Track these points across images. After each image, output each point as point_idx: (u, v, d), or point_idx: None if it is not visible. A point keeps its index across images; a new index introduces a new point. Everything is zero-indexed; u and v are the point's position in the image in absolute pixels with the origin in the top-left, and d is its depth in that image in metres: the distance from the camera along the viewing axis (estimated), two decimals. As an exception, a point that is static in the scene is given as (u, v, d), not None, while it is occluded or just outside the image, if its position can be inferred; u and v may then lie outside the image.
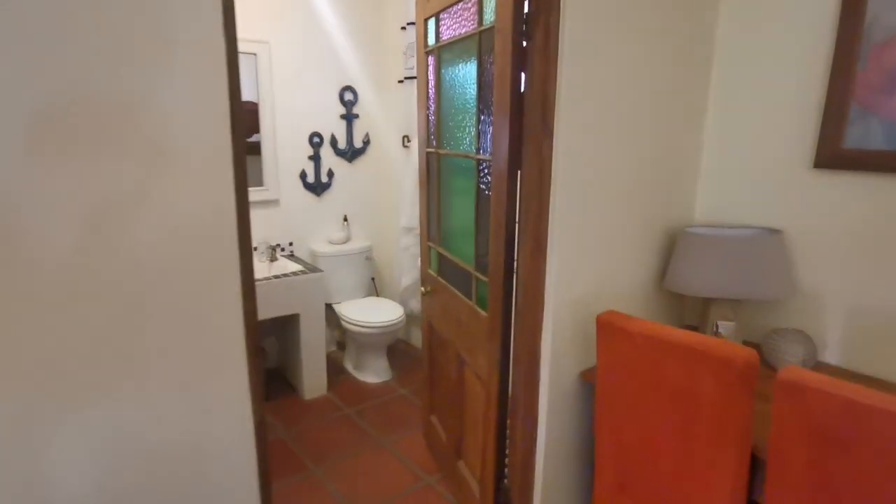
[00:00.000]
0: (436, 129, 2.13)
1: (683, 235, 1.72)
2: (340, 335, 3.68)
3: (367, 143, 3.54)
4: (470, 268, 1.88)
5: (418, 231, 3.24)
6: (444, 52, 2.02)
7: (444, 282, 2.16)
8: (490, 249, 1.69)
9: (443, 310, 2.18)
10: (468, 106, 1.84)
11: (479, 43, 1.68)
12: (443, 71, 2.04)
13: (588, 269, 1.61)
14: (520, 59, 1.46)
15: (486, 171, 1.71)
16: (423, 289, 2.33)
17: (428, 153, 2.22)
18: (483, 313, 1.77)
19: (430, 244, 2.28)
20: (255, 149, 3.10)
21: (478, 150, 1.76)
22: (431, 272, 2.28)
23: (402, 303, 3.48)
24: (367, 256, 3.49)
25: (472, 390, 1.93)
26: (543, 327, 1.57)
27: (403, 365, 3.47)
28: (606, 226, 1.63)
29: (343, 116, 3.41)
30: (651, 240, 1.79)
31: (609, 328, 1.43)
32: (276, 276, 2.83)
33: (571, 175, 1.49)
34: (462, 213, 2.00)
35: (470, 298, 1.90)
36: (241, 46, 3.29)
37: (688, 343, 1.26)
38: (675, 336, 1.29)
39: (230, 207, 1.22)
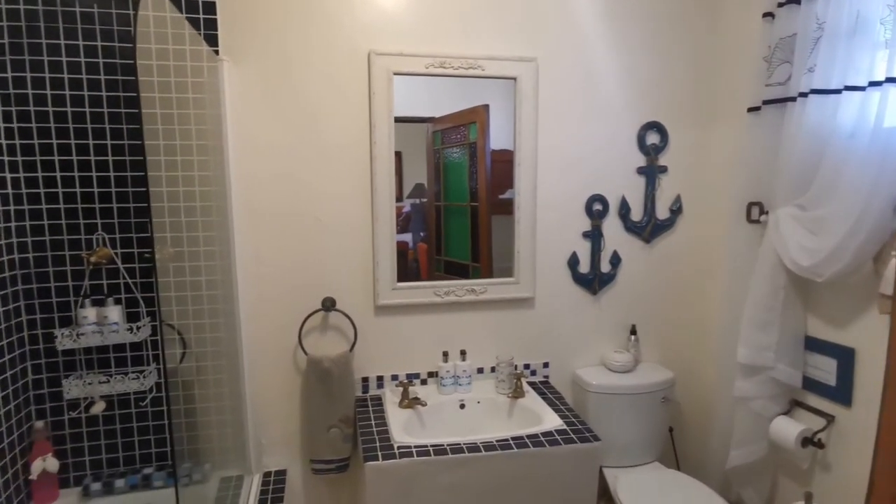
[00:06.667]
0: None
1: None
2: (608, 510, 2.33)
3: (676, 211, 2.20)
4: None
5: (772, 374, 1.78)
6: None
7: None
8: None
9: None
10: None
11: None
12: None
13: None
14: None
15: None
16: None
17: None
18: None
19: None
20: (507, 205, 2.08)
21: None
22: None
23: (724, 489, 2.00)
24: (665, 396, 2.11)
25: None
26: None
27: None
28: None
29: (641, 170, 2.15)
30: None
31: None
32: (520, 441, 1.67)
33: None
34: None
35: None
36: (493, 68, 2.34)
37: None
38: None
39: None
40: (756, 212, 1.91)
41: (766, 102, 1.83)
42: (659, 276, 2.22)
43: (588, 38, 2.04)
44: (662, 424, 2.16)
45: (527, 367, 2.15)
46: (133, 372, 1.82)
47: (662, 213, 2.19)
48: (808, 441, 1.74)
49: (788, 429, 1.76)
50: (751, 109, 1.90)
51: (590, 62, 2.06)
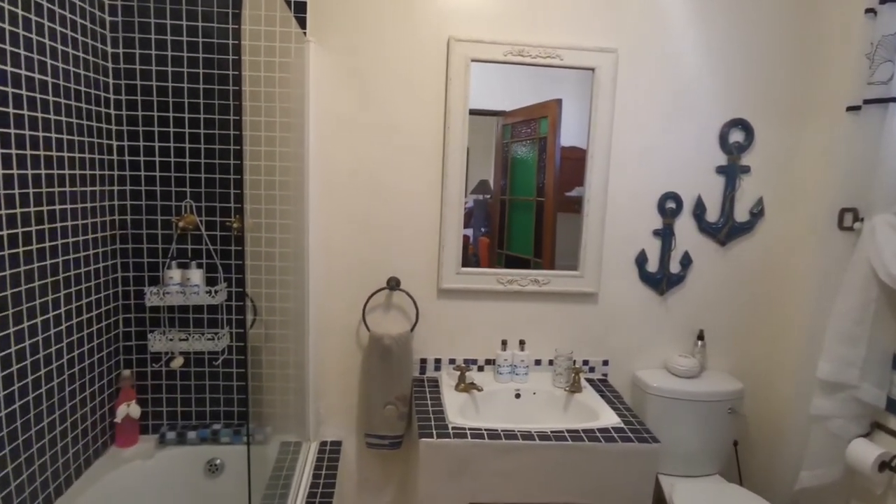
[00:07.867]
0: None
1: None
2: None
3: (757, 214, 2.09)
4: None
5: (855, 393, 1.67)
6: None
7: None
8: None
9: None
10: None
11: None
12: None
13: None
14: None
15: None
16: None
17: None
18: None
19: None
20: (573, 204, 2.04)
21: None
22: None
23: (793, 511, 1.88)
24: (731, 408, 2.01)
25: None
26: None
27: None
28: None
29: (721, 169, 2.06)
30: None
31: None
32: (575, 435, 1.64)
33: None
34: None
35: None
36: (572, 58, 2.34)
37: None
38: None
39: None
40: (849, 218, 1.78)
41: (867, 102, 1.70)
42: (733, 281, 2.12)
43: (673, 29, 1.97)
44: (727, 436, 2.06)
45: (585, 363, 2.11)
46: (209, 333, 1.94)
47: (741, 215, 2.08)
48: (885, 465, 1.61)
49: (866, 451, 1.64)
50: (850, 108, 1.77)
51: (673, 55, 1.99)
